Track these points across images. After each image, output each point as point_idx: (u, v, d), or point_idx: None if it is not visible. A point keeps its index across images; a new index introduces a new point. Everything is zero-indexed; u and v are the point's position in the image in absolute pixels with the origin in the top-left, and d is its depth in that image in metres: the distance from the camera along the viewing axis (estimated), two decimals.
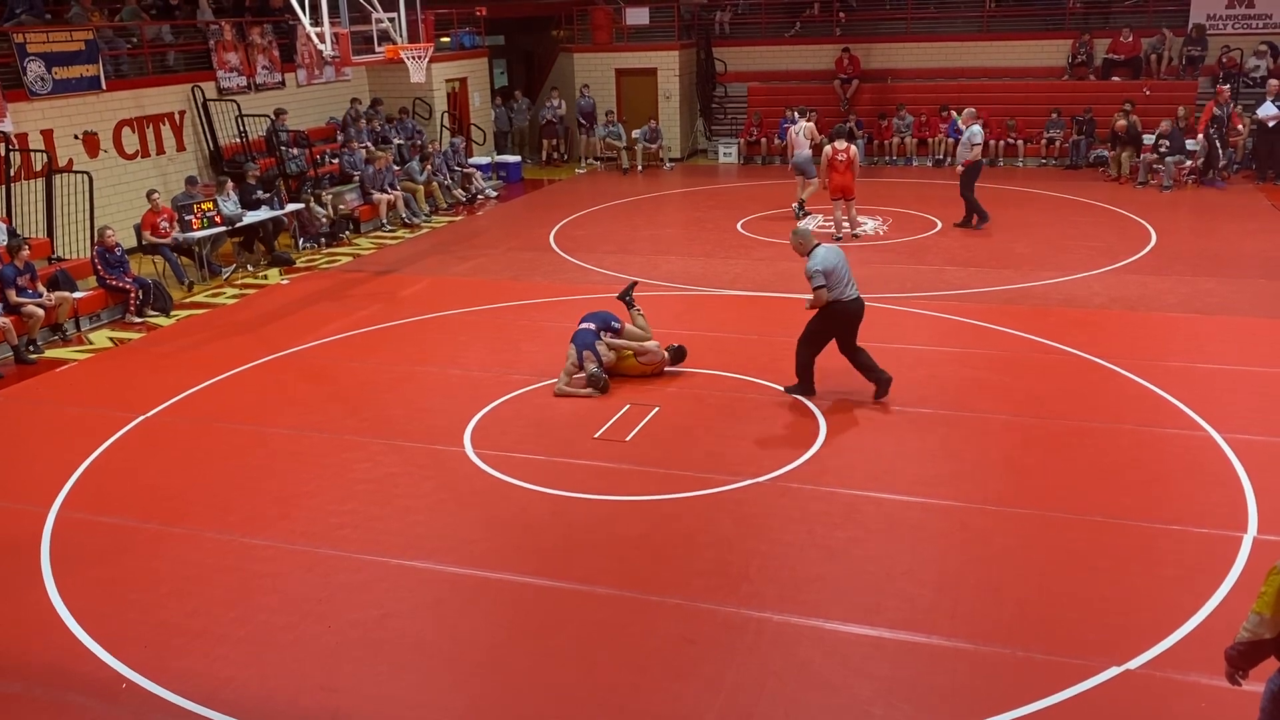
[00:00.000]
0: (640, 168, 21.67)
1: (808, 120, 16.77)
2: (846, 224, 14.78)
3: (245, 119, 16.55)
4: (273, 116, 16.64)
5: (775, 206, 16.94)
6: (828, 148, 14.46)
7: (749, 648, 5.52)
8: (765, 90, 22.76)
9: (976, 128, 14.94)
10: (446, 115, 20.44)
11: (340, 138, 18.33)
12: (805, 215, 16.07)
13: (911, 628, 5.62)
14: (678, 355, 9.60)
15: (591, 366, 9.11)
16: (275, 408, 9.17)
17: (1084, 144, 19.75)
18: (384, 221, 16.71)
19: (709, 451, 7.92)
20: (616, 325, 9.44)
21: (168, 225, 13.34)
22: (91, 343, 11.40)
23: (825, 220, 15.71)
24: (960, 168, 14.98)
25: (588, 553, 6.54)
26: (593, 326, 9.36)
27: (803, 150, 16.10)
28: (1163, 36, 20.37)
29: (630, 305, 9.68)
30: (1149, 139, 18.09)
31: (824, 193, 15.02)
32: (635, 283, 10.10)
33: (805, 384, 8.81)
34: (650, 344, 9.46)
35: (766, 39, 23.54)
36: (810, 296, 8.45)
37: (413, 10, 13.31)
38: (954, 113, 18.62)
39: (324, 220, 15.69)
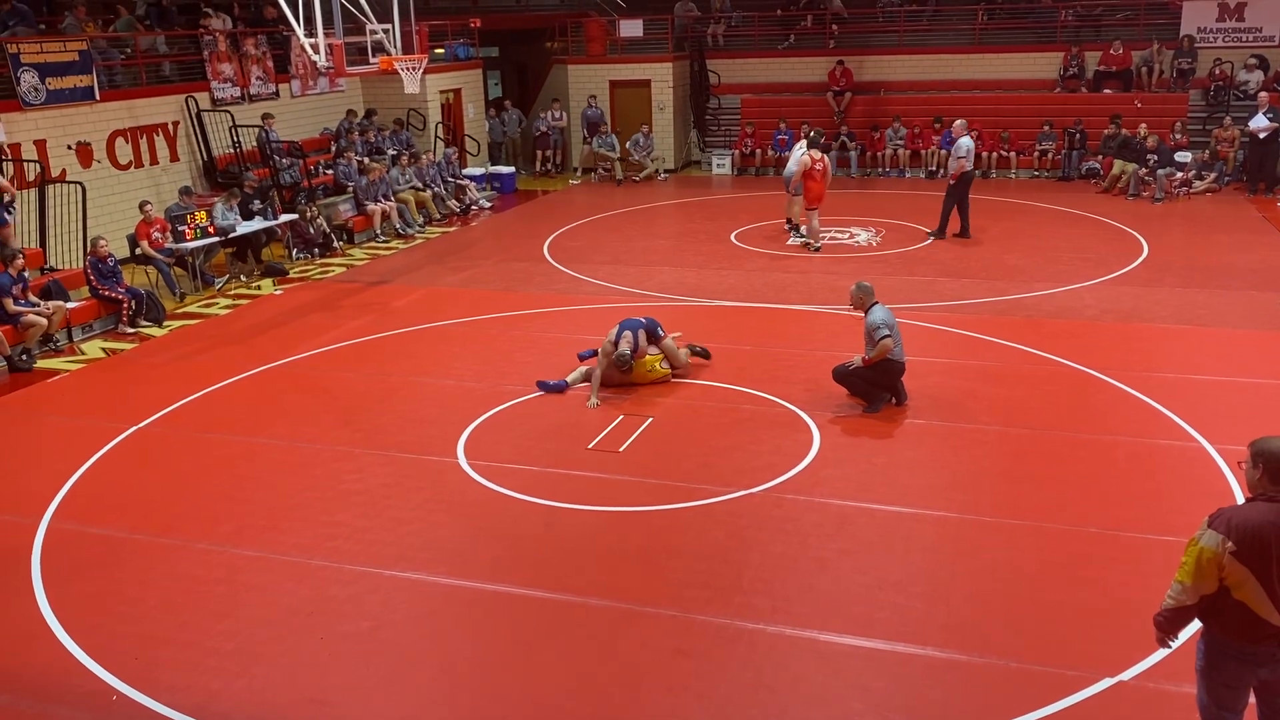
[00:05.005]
0: (636, 178, 21.71)
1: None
2: (824, 234, 14.62)
3: (239, 129, 16.56)
4: (261, 122, 16.62)
5: (769, 218, 16.96)
6: (805, 156, 14.41)
7: (741, 660, 5.51)
8: (759, 102, 22.82)
9: (967, 139, 15.02)
10: (441, 126, 20.47)
11: (334, 148, 18.34)
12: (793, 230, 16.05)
13: (904, 639, 5.62)
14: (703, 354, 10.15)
15: (625, 347, 9.23)
16: (267, 419, 9.15)
17: (1076, 156, 19.84)
18: (378, 232, 16.72)
19: (702, 462, 7.92)
20: (661, 333, 9.60)
21: (160, 236, 13.33)
22: (84, 353, 11.36)
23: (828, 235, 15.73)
24: (951, 180, 15.08)
25: (580, 564, 6.53)
26: (643, 320, 9.56)
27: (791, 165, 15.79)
28: (1154, 49, 20.47)
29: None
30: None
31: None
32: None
33: (874, 397, 8.83)
34: (682, 352, 9.80)
35: (760, 51, 23.60)
36: (859, 355, 8.71)
37: (407, 21, 13.30)
38: (943, 124, 18.66)
39: (319, 232, 15.71)
